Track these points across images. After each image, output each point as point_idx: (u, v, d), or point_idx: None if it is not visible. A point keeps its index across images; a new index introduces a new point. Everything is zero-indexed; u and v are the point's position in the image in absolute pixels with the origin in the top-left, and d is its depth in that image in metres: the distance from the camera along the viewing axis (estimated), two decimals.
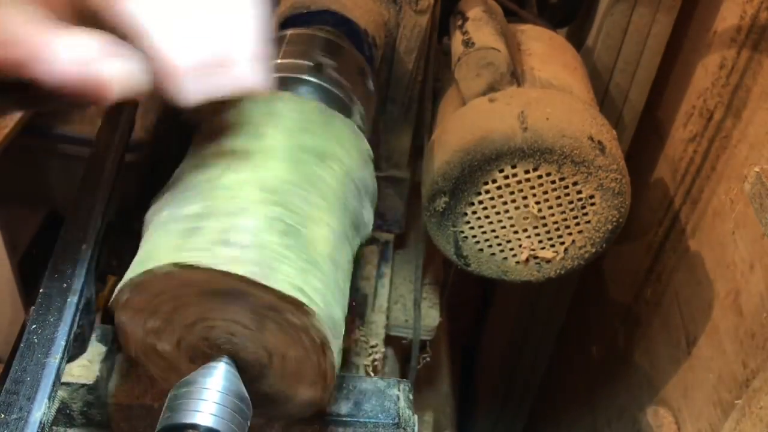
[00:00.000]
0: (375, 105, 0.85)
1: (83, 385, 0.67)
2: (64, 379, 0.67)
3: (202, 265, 0.50)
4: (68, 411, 0.67)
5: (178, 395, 0.53)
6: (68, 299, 0.59)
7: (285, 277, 0.51)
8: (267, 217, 0.54)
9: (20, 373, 0.54)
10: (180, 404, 0.52)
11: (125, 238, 0.80)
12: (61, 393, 0.66)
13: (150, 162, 1.29)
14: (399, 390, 0.68)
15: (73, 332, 0.59)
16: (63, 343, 0.57)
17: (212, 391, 0.53)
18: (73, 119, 1.31)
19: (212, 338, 0.55)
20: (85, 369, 0.68)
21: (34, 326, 0.57)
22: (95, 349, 0.69)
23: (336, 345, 0.54)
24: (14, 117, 1.12)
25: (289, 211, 0.56)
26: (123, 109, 0.78)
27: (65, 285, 0.60)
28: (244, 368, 0.56)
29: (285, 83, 0.72)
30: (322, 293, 0.53)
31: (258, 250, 0.52)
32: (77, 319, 0.60)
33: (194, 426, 0.50)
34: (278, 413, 0.61)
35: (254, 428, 0.56)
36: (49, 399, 0.53)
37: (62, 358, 0.56)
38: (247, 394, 0.54)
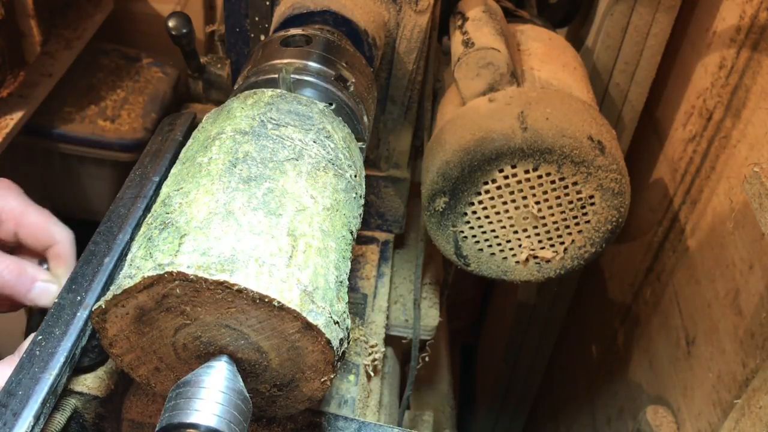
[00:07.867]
0: (375, 106, 0.85)
1: (95, 398, 0.66)
2: (77, 389, 0.66)
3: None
4: (81, 420, 0.66)
5: (178, 394, 0.52)
6: (78, 313, 0.58)
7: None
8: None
9: (14, 386, 0.53)
10: (180, 404, 0.51)
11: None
12: (74, 401, 0.65)
13: None
14: None
15: (79, 347, 0.58)
16: (62, 359, 0.56)
17: (212, 390, 0.52)
18: (73, 119, 1.31)
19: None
20: (100, 381, 0.67)
21: (39, 337, 0.57)
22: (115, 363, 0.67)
23: (335, 333, 0.54)
24: (14, 117, 1.12)
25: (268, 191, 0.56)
26: (178, 121, 0.78)
27: (79, 298, 0.59)
28: (242, 366, 0.56)
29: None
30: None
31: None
32: (85, 333, 0.59)
33: (194, 425, 0.50)
34: (278, 409, 0.61)
35: None
36: (35, 417, 0.52)
37: (59, 375, 0.55)
38: (246, 393, 0.54)
